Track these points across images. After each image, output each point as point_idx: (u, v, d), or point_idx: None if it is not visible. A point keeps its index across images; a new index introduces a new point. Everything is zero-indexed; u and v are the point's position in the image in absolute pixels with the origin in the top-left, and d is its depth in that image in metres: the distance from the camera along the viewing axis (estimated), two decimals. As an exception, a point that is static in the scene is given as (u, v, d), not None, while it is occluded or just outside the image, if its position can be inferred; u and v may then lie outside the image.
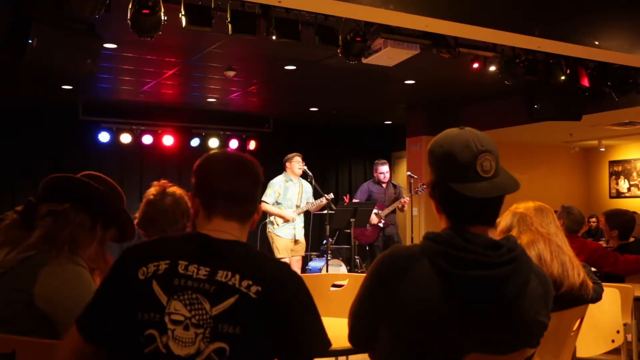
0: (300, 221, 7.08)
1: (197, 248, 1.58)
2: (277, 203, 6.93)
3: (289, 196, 6.98)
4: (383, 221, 7.75)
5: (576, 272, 2.61)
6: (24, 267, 1.89)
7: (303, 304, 1.56)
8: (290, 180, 7.02)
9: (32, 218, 1.99)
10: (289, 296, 1.54)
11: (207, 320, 1.47)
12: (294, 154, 7.09)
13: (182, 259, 1.54)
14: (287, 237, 6.95)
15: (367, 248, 7.89)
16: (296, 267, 6.89)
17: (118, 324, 1.53)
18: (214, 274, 1.51)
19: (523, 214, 2.72)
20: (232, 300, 1.48)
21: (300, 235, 7.07)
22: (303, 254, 7.19)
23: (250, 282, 1.50)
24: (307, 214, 7.37)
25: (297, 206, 7.02)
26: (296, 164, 6.99)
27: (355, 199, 7.80)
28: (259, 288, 1.50)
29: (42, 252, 1.92)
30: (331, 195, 7.10)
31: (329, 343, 1.60)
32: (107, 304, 1.56)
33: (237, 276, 1.51)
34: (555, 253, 2.61)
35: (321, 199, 7.06)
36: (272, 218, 6.96)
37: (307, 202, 7.11)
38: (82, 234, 2.00)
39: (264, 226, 7.08)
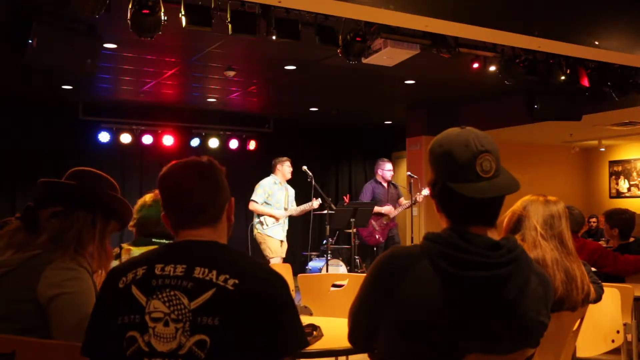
0: (286, 223, 7.31)
1: (172, 251, 1.65)
2: (267, 204, 7.09)
3: (277, 197, 7.16)
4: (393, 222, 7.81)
5: (580, 286, 2.49)
6: (30, 266, 1.91)
7: (281, 299, 1.58)
8: (279, 183, 7.23)
9: (35, 222, 2.00)
10: (267, 290, 1.56)
11: (186, 315, 1.50)
12: (285, 157, 7.31)
13: (158, 262, 1.59)
14: (277, 238, 7.11)
15: (375, 249, 7.86)
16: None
17: (109, 337, 1.56)
18: (191, 271, 1.55)
19: (528, 219, 2.56)
20: (209, 293, 1.52)
21: (285, 236, 7.29)
22: (284, 254, 7.36)
23: (228, 276, 1.54)
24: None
25: (285, 209, 7.21)
26: (287, 167, 7.24)
27: (362, 199, 7.79)
28: (236, 281, 1.53)
29: (48, 251, 1.94)
30: (318, 201, 7.31)
31: (306, 342, 1.63)
32: (101, 325, 1.59)
33: (214, 272, 1.55)
34: (560, 267, 2.48)
35: (309, 203, 7.29)
36: (261, 218, 7.10)
37: (293, 207, 7.32)
38: (86, 232, 2.03)
39: (251, 227, 7.25)
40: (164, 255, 1.62)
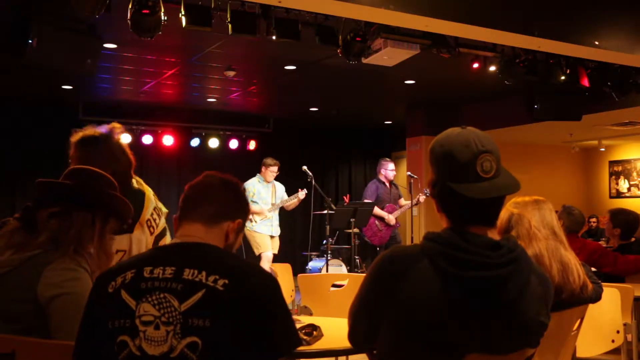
0: (276, 218, 7.50)
1: (162, 253, 1.66)
2: (253, 202, 7.30)
3: (263, 195, 7.38)
4: (396, 222, 7.82)
5: (576, 274, 2.58)
6: (29, 266, 1.90)
7: (273, 299, 1.57)
8: (263, 181, 7.44)
9: (34, 222, 2.00)
10: (258, 290, 1.55)
11: (177, 317, 1.49)
12: (274, 162, 7.43)
13: (147, 265, 1.58)
14: (265, 233, 7.33)
15: (378, 249, 7.84)
16: (268, 261, 7.24)
17: (100, 342, 1.55)
18: (180, 273, 1.54)
19: (520, 215, 2.65)
20: (199, 294, 1.51)
21: (277, 232, 7.48)
22: (276, 251, 7.50)
23: (217, 277, 1.53)
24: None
25: (273, 204, 7.43)
26: (271, 173, 7.42)
27: (365, 199, 7.78)
28: (226, 281, 1.52)
29: (47, 252, 1.94)
30: (304, 192, 7.51)
31: (299, 341, 1.62)
32: (91, 330, 1.59)
33: (204, 273, 1.54)
34: (555, 256, 2.57)
35: (296, 194, 7.47)
36: (249, 215, 7.20)
37: (281, 200, 7.51)
38: (86, 232, 2.02)
39: None
40: (153, 258, 1.61)
